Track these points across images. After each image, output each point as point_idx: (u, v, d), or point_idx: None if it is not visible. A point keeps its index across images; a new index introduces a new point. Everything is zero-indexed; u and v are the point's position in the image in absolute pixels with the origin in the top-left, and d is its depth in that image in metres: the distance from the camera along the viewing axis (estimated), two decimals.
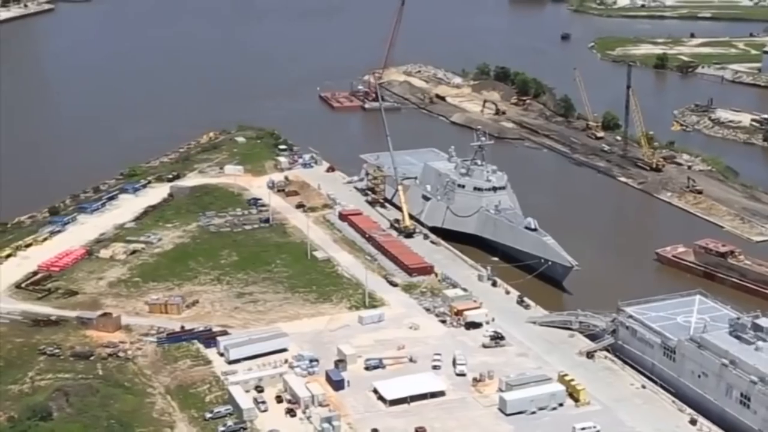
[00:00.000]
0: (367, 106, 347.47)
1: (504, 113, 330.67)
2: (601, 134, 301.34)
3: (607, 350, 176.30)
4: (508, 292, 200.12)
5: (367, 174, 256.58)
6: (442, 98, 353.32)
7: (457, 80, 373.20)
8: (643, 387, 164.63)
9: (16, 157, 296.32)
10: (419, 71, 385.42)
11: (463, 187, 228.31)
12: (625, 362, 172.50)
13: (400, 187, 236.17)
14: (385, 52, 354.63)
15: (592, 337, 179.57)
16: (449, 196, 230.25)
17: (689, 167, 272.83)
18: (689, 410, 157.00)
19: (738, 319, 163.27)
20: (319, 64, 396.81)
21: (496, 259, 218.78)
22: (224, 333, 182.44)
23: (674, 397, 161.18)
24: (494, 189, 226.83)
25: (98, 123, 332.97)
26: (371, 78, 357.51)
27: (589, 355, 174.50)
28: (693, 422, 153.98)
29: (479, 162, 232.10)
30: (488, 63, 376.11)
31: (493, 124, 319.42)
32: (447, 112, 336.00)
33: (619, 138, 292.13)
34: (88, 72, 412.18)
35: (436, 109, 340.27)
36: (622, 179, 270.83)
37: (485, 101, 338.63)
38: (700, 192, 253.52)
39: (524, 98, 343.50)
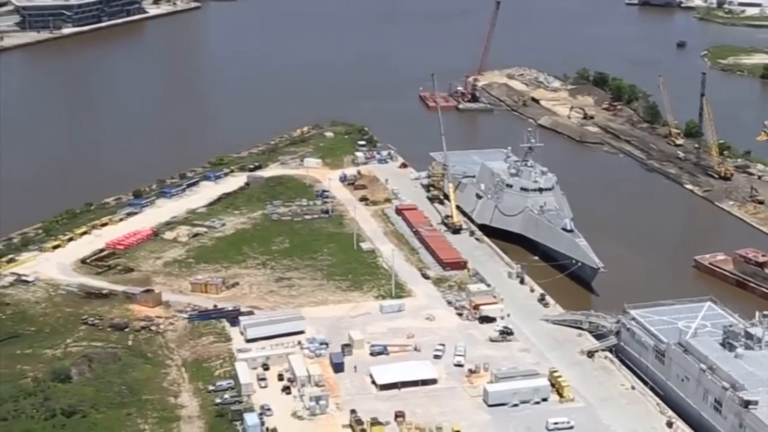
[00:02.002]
0: (461, 106, 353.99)
1: (592, 118, 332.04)
2: (680, 141, 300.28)
3: (611, 351, 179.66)
4: (532, 290, 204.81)
5: (429, 171, 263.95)
6: (537, 101, 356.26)
7: (556, 84, 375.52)
8: (633, 388, 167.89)
9: (125, 141, 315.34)
10: (522, 74, 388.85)
11: (511, 186, 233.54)
12: (625, 363, 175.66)
13: (450, 185, 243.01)
14: (480, 55, 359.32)
15: (600, 338, 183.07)
16: (498, 195, 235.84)
17: (759, 177, 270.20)
18: (671, 413, 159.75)
19: (730, 326, 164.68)
20: (432, 65, 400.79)
21: (536, 258, 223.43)
22: (250, 313, 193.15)
23: (661, 400, 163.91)
24: (540, 190, 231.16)
25: (212, 113, 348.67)
26: (470, 79, 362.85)
27: (590, 354, 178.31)
28: (669, 424, 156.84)
29: (529, 163, 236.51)
30: (588, 68, 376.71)
31: (577, 128, 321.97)
32: (536, 115, 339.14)
33: (697, 146, 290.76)
34: (220, 67, 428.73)
35: (527, 112, 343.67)
36: (689, 186, 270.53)
37: (572, 107, 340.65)
38: (761, 202, 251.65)
39: (615, 104, 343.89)
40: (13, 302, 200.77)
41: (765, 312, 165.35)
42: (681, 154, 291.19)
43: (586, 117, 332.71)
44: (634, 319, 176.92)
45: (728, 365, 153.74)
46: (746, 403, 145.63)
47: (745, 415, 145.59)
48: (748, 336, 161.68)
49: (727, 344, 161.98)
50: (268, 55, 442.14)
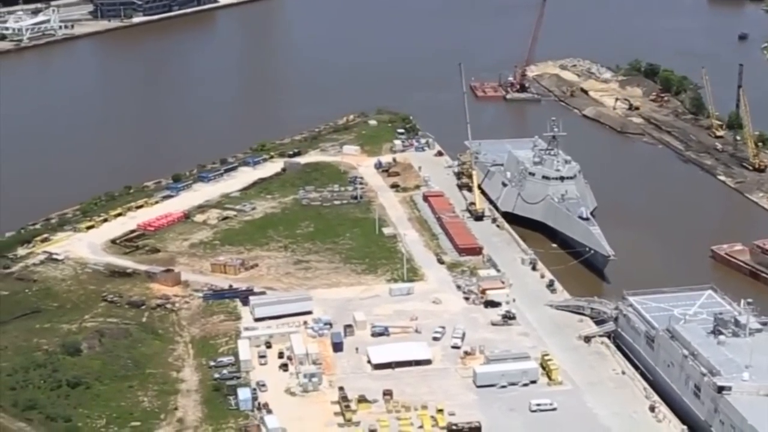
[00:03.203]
0: (508, 96, 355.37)
1: (637, 109, 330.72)
2: (720, 133, 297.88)
3: (609, 336, 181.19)
4: (542, 276, 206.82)
5: (458, 159, 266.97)
6: (586, 92, 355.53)
7: (607, 75, 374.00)
8: (623, 373, 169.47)
9: (177, 127, 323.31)
10: (574, 65, 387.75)
11: (534, 175, 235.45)
12: (620, 349, 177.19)
13: (474, 173, 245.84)
14: (528, 47, 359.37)
15: (600, 323, 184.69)
16: (521, 183, 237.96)
17: None
18: (656, 397, 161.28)
19: (720, 314, 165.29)
20: (489, 56, 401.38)
21: (555, 245, 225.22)
22: (263, 293, 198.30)
23: (649, 385, 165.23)
24: (561, 178, 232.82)
25: (268, 102, 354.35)
26: (519, 70, 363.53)
27: (587, 339, 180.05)
28: (652, 409, 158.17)
29: (553, 152, 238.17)
30: (641, 59, 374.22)
31: (619, 119, 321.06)
32: (582, 105, 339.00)
33: (738, 138, 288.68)
34: (286, 57, 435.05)
35: (574, 102, 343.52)
36: (722, 178, 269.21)
37: (616, 99, 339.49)
38: None
39: (663, 95, 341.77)
40: (41, 279, 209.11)
41: (749, 300, 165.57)
42: (719, 146, 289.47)
43: (631, 108, 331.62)
44: (631, 305, 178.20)
45: (709, 351, 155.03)
46: (720, 389, 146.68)
47: (719, 401, 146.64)
48: (737, 324, 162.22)
49: (716, 331, 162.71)
50: (333, 45, 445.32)
